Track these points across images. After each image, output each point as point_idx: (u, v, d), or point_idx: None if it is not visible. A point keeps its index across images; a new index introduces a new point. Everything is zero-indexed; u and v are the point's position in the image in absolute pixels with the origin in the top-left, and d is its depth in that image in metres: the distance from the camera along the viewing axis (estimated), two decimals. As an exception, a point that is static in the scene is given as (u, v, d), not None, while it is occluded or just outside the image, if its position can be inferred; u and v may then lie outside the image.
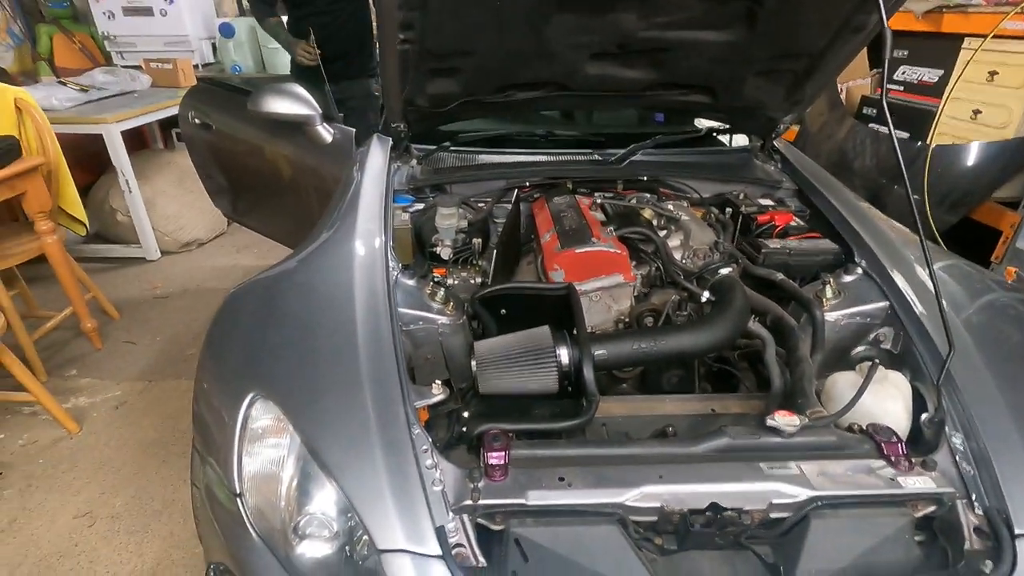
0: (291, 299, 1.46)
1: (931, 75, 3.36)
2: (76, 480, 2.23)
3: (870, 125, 3.67)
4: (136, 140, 4.71)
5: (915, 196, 3.26)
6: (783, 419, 1.15)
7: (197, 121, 3.14)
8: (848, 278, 1.62)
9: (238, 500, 1.13)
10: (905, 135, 3.43)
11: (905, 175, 1.28)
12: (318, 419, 1.15)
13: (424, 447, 1.12)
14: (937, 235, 2.97)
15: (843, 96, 3.99)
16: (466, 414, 1.30)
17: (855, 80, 4.00)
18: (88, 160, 3.99)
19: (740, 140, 2.60)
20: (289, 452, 1.13)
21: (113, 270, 3.90)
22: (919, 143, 3.26)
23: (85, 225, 2.93)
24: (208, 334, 1.47)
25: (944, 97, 3.18)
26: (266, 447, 1.17)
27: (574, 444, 1.17)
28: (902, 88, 3.61)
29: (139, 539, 1.97)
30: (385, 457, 1.08)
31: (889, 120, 1.23)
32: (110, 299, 3.39)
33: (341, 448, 1.10)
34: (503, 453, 1.11)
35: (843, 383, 1.33)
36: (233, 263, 3.99)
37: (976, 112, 3.06)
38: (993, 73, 2.97)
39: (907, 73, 3.57)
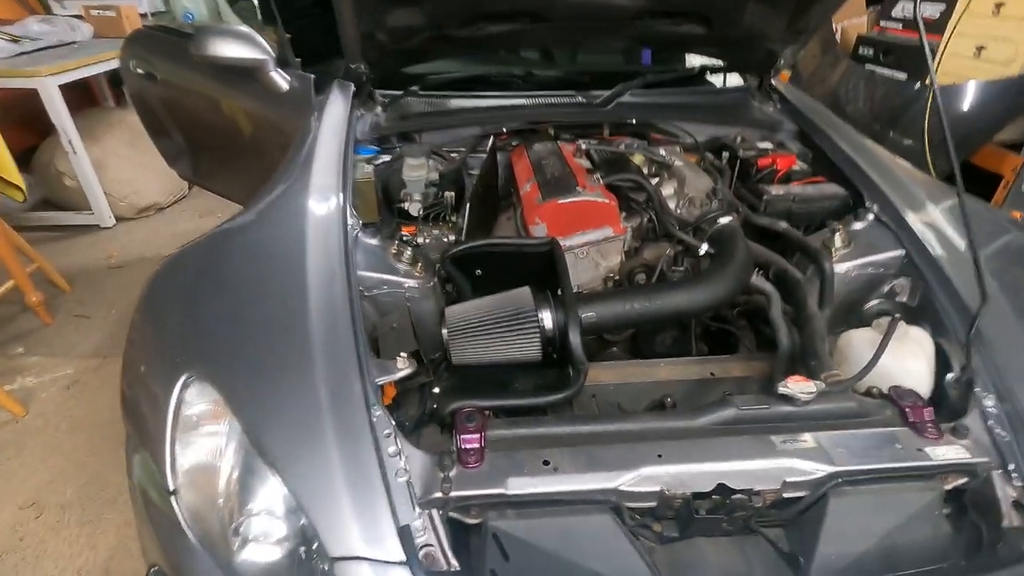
0: (234, 264, 1.27)
1: (932, 10, 3.15)
2: (22, 468, 2.06)
3: (866, 66, 3.48)
4: (84, 97, 4.36)
5: (907, 141, 3.12)
6: (796, 385, 1.01)
7: (140, 71, 2.84)
8: (859, 225, 1.47)
9: (172, 498, 0.97)
10: (903, 76, 3.25)
11: (946, 122, 1.11)
12: (261, 403, 0.99)
13: (386, 431, 0.96)
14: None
15: (837, 36, 3.78)
16: (436, 390, 1.14)
17: (850, 19, 3.78)
18: (31, 120, 3.66)
19: (734, 81, 2.40)
20: (228, 442, 0.97)
21: (65, 239, 3.62)
22: (918, 84, 3.09)
23: (22, 190, 2.66)
24: (139, 306, 1.28)
25: (947, 33, 2.99)
26: (203, 436, 1.01)
27: (560, 421, 1.03)
28: (900, 26, 3.41)
29: (91, 530, 1.83)
30: (339, 445, 0.93)
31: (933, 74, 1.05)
32: (61, 270, 3.14)
33: (287, 436, 0.94)
34: (478, 435, 0.96)
35: (859, 341, 1.20)
36: (196, 228, 3.73)
37: (980, 48, 2.88)
38: (999, 5, 2.78)
39: (906, 9, 3.37)
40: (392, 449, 0.94)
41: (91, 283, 3.17)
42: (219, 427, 0.99)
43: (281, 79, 2.29)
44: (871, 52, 3.51)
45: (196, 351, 1.09)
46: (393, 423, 0.97)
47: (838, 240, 1.41)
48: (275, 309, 1.13)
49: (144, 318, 1.21)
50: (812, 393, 0.99)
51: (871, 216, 1.48)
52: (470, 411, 1.00)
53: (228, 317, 1.14)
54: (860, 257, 1.39)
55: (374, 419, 0.97)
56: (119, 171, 3.77)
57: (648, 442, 0.98)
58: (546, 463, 0.94)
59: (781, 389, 1.01)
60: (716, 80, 2.39)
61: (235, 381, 1.02)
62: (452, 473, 0.92)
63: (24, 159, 3.86)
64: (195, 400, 1.03)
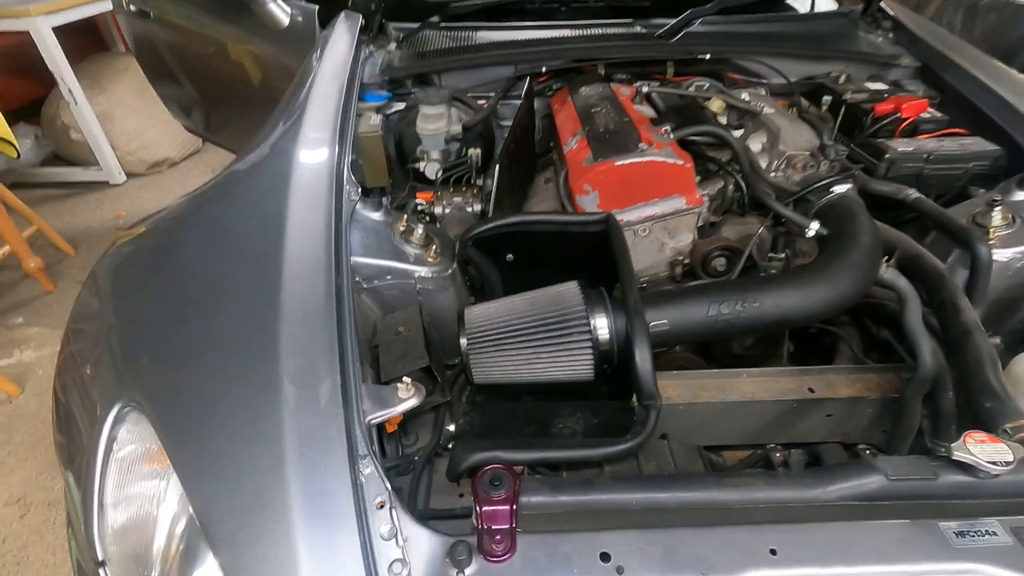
0: (193, 250, 0.99)
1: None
2: (10, 457, 1.91)
3: (974, -10, 2.91)
4: (91, 41, 4.08)
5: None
6: (982, 448, 0.68)
7: (132, 8, 2.54)
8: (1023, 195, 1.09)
9: (101, 572, 0.73)
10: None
11: None
12: (207, 453, 0.72)
13: (378, 498, 0.68)
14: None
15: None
16: (452, 427, 0.85)
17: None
18: (36, 67, 3.42)
19: (825, 6, 1.95)
20: (165, 498, 0.72)
21: (74, 196, 3.43)
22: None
23: (14, 145, 2.43)
24: (79, 297, 1.03)
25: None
26: (137, 482, 0.77)
27: (623, 485, 0.73)
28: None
29: (74, 534, 1.65)
30: (308, 521, 0.65)
31: None
32: (66, 231, 2.95)
33: (236, 505, 0.67)
34: (508, 508, 0.67)
35: (1048, 369, 0.84)
36: (209, 185, 3.49)
37: None
38: None
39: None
40: (386, 528, 0.66)
41: (96, 246, 2.97)
42: (156, 475, 0.74)
43: (281, 11, 1.97)
44: (980, -28, 2.92)
45: (136, 370, 0.83)
46: (389, 488, 0.69)
47: (997, 216, 1.04)
48: (237, 314, 0.85)
49: (77, 323, 0.95)
50: (1011, 464, 0.66)
51: (1043, 183, 1.09)
52: (497, 470, 0.70)
53: (179, 323, 0.87)
54: (1029, 240, 1.02)
55: (362, 479, 0.69)
56: (127, 122, 3.52)
57: (755, 526, 0.67)
58: (606, 557, 0.64)
59: (958, 454, 0.68)
60: (803, 5, 1.94)
61: (177, 417, 0.76)
62: (470, 571, 0.64)
63: (34, 110, 3.65)
64: (129, 439, 0.78)
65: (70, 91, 3.12)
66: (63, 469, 0.89)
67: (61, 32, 3.11)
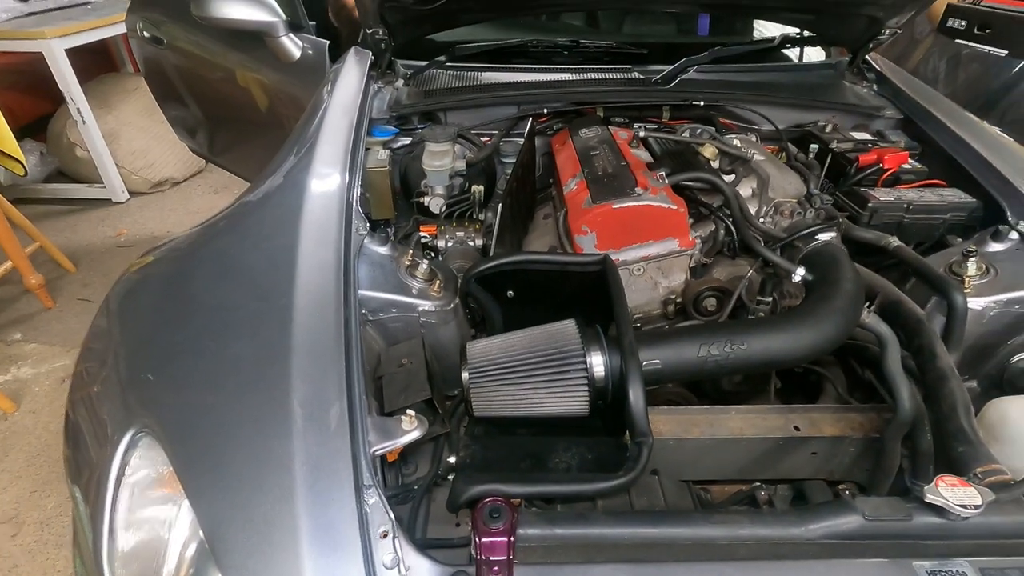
0: (205, 280, 1.03)
1: (1047, -26, 2.70)
2: (5, 474, 1.90)
3: (957, 41, 3.04)
4: (101, 62, 4.16)
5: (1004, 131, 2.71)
6: (953, 492, 0.72)
7: (146, 35, 2.61)
8: (998, 246, 1.16)
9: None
10: (1002, 53, 2.82)
11: None
12: (218, 476, 0.75)
13: (381, 528, 0.71)
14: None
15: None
16: (452, 459, 0.88)
17: (939, -13, 3.32)
18: (45, 85, 3.48)
19: (813, 56, 2.04)
20: (176, 523, 0.75)
21: (77, 212, 3.46)
22: (1021, 63, 2.67)
23: (22, 163, 2.47)
24: (96, 319, 1.06)
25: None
26: (148, 512, 0.78)
27: (616, 520, 0.76)
28: (1004, -7, 2.95)
29: (69, 555, 1.65)
30: (314, 551, 0.68)
31: None
32: (67, 248, 2.98)
33: (244, 533, 0.70)
34: (506, 540, 0.70)
35: (1018, 415, 0.89)
36: (211, 206, 3.52)
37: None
38: None
39: (1012, -28, 2.90)
40: (389, 558, 0.69)
41: (97, 264, 3.00)
42: (167, 500, 0.77)
43: (293, 45, 2.04)
44: (963, 24, 3.05)
45: (150, 396, 0.86)
46: (392, 518, 0.72)
47: (972, 266, 1.10)
48: (249, 344, 0.88)
49: (92, 346, 0.98)
50: (979, 507, 0.70)
51: (1015, 235, 1.15)
52: (496, 503, 0.74)
53: (192, 351, 0.90)
54: (1003, 291, 1.08)
55: (366, 508, 0.72)
56: (133, 142, 3.57)
57: (740, 563, 0.71)
58: (599, 590, 0.68)
59: (930, 497, 0.72)
60: (795, 55, 2.04)
61: (190, 447, 0.79)
62: (468, 601, 0.67)
63: (40, 127, 3.71)
64: (142, 464, 0.81)
65: (79, 110, 3.18)
66: (70, 484, 0.91)
67: (72, 52, 3.18)
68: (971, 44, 2.94)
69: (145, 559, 0.75)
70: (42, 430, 2.04)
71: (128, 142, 3.55)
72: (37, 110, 3.73)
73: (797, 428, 1.03)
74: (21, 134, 3.48)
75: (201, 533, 0.72)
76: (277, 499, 0.71)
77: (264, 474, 0.74)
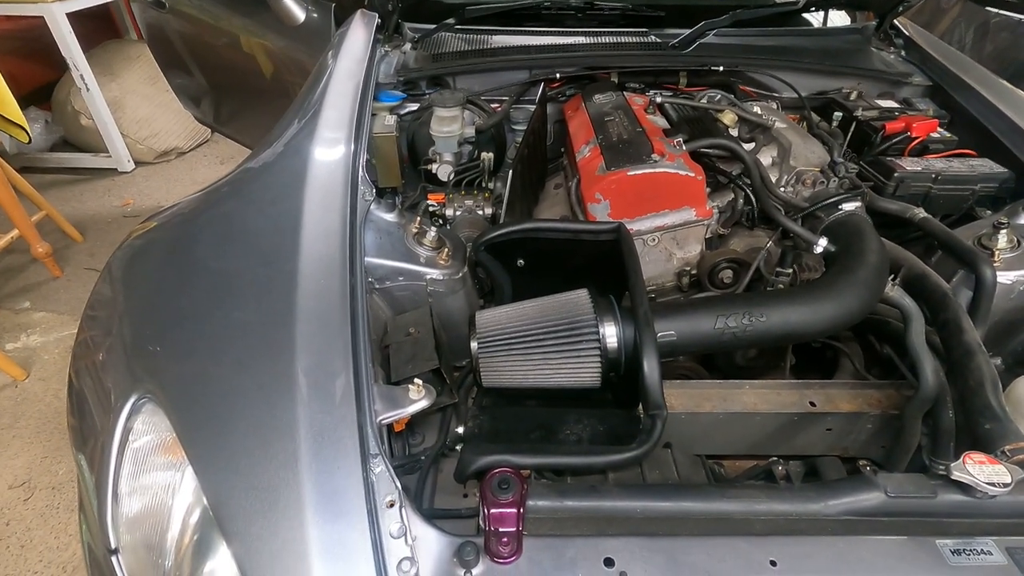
0: (209, 245, 1.00)
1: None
2: (16, 440, 1.92)
3: (987, 9, 2.92)
4: (103, 28, 4.09)
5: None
6: (980, 469, 0.69)
7: (147, -2, 2.54)
8: (1030, 218, 1.11)
9: (113, 560, 0.75)
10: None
11: None
12: (223, 446, 0.74)
13: (388, 497, 0.69)
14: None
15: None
16: (460, 429, 0.87)
17: (970, -50, 3.19)
18: (48, 54, 3.43)
19: (837, 21, 1.96)
20: (180, 489, 0.74)
21: (83, 182, 3.44)
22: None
23: (26, 130, 2.44)
24: (97, 285, 1.04)
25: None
26: (152, 478, 0.77)
27: (627, 493, 0.74)
28: (1040, -43, 2.81)
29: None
30: (320, 519, 0.66)
31: None
32: (74, 217, 2.96)
33: (250, 499, 0.69)
34: (514, 511, 0.69)
35: (1048, 392, 0.86)
36: (216, 176, 3.49)
37: None
38: None
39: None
40: (396, 527, 0.68)
41: (104, 233, 2.98)
42: (171, 466, 0.76)
43: (297, 7, 1.98)
44: (994, -9, 2.93)
45: (153, 362, 0.85)
46: (399, 488, 0.70)
47: (1002, 239, 1.06)
48: (253, 310, 0.86)
49: (95, 311, 0.96)
50: (1008, 486, 0.68)
51: (1048, 207, 1.11)
52: (505, 474, 0.72)
53: (195, 317, 0.88)
54: (1034, 264, 1.04)
55: (373, 478, 0.71)
56: (137, 110, 3.53)
57: (755, 537, 0.69)
58: (609, 563, 0.66)
59: (957, 474, 0.69)
60: (819, 19, 1.95)
61: (193, 412, 0.77)
62: (477, 572, 0.65)
63: (45, 95, 3.66)
64: (145, 430, 0.80)
65: (82, 77, 3.13)
66: (75, 452, 0.90)
67: (74, 18, 3.12)
68: (1002, 11, 2.82)
69: (149, 524, 0.74)
70: (52, 397, 2.05)
71: (133, 110, 3.51)
72: (41, 77, 3.68)
73: (813, 404, 1.01)
74: (25, 101, 3.43)
75: (205, 499, 0.70)
76: (281, 465, 0.70)
77: (268, 441, 0.72)
